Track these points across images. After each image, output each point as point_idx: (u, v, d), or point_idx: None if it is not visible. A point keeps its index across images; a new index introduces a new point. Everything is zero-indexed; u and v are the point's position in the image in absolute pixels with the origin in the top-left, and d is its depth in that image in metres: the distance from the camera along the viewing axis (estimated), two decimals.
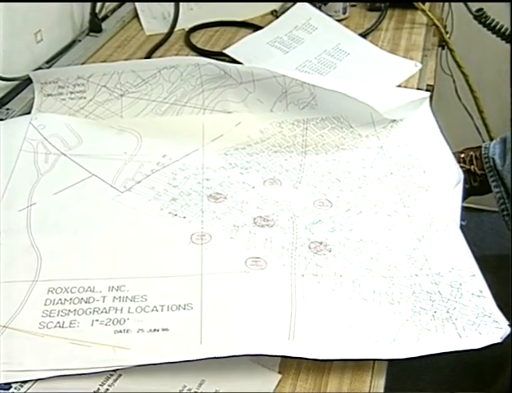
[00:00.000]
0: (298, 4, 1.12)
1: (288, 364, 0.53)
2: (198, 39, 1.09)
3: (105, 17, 1.13)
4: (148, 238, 0.65)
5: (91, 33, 1.07)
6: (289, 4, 1.15)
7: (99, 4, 1.07)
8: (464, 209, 0.74)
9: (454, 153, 0.84)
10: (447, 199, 0.71)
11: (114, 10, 1.16)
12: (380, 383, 0.53)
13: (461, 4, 1.22)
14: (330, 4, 1.13)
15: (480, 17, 1.18)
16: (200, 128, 0.83)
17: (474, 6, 1.23)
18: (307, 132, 0.82)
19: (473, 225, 1.62)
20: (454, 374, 1.34)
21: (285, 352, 0.52)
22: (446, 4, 1.33)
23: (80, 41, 1.05)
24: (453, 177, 0.75)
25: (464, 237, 0.66)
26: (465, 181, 0.96)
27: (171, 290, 0.58)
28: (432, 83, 1.01)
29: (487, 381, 1.31)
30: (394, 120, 0.82)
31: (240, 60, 0.97)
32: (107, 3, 1.11)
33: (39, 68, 0.96)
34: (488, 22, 1.18)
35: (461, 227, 0.68)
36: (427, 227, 0.67)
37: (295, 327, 0.54)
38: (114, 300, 0.57)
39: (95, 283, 0.59)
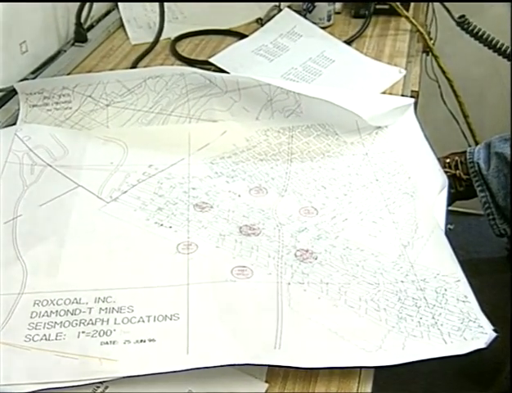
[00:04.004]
0: (283, 12, 1.12)
1: (275, 373, 0.53)
2: (184, 48, 1.09)
3: (91, 27, 1.13)
4: (134, 249, 0.65)
5: (76, 44, 1.07)
6: (274, 12, 1.15)
7: (84, 14, 1.07)
8: (451, 213, 0.75)
9: (439, 158, 0.85)
10: (432, 204, 0.72)
11: (99, 20, 1.16)
12: (367, 390, 0.53)
13: (445, 10, 1.23)
14: (314, 12, 1.14)
15: (462, 24, 1.20)
16: (186, 138, 0.83)
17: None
18: (292, 139, 0.82)
19: (460, 229, 1.63)
20: (447, 379, 1.35)
21: (271, 361, 0.52)
22: (430, 11, 1.34)
23: (65, 51, 1.05)
24: (438, 182, 0.75)
25: (451, 240, 0.66)
26: (451, 186, 0.97)
27: (157, 300, 0.58)
28: (416, 89, 1.02)
29: (483, 385, 1.31)
30: (379, 127, 0.83)
31: (226, 69, 0.98)
32: (92, 13, 1.11)
33: (24, 79, 0.95)
34: (470, 28, 1.19)
35: (449, 231, 0.68)
36: (412, 233, 0.67)
37: (282, 335, 0.54)
38: (100, 312, 0.57)
39: (81, 295, 0.59)
